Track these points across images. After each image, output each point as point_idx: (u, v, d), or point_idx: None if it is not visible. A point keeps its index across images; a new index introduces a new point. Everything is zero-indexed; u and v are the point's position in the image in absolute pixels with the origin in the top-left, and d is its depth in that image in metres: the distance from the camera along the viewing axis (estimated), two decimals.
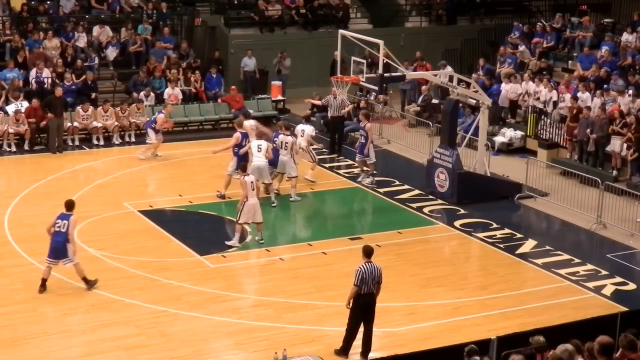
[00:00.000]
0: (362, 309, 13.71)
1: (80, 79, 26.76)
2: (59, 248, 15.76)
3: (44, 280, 15.85)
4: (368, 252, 13.86)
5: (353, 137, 25.97)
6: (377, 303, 13.86)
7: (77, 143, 25.22)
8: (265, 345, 14.18)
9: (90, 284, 16.03)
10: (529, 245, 19.09)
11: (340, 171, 23.69)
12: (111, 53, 28.44)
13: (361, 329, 13.86)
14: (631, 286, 17.13)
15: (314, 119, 27.34)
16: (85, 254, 17.58)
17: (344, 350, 13.92)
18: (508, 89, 26.66)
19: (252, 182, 18.06)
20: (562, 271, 17.66)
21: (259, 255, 18.13)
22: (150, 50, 28.80)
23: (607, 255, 18.69)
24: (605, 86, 25.07)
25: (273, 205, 20.55)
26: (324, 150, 24.91)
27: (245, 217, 18.06)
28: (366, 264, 13.69)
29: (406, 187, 22.44)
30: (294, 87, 30.41)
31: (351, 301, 13.69)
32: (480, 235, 19.46)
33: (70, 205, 16.07)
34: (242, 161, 20.11)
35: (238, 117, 26.73)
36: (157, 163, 23.75)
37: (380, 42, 20.89)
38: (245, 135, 20.94)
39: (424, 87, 28.19)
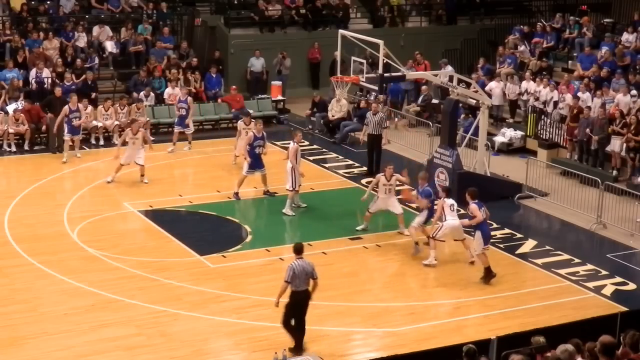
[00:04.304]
0: (297, 305, 13.83)
1: (80, 79, 26.76)
2: (489, 235, 17.37)
3: (488, 269, 16.85)
4: (298, 250, 14.02)
5: (353, 137, 26.00)
6: (379, 303, 13.88)
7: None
8: (265, 345, 14.17)
9: (489, 276, 16.87)
10: (529, 245, 19.08)
11: (340, 171, 23.66)
12: (111, 47, 28.40)
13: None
14: (631, 286, 17.12)
15: (314, 119, 27.37)
16: (86, 254, 17.61)
17: (298, 347, 13.91)
18: (500, 87, 26.70)
19: None
20: (562, 271, 17.65)
21: (259, 255, 18.10)
22: (150, 50, 28.79)
23: (607, 255, 18.68)
24: (605, 83, 25.05)
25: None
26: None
27: None
28: (297, 260, 13.83)
29: (406, 187, 22.37)
30: (294, 87, 30.40)
31: (279, 299, 13.81)
32: None
33: (474, 194, 17.21)
34: (253, 161, 20.68)
35: (238, 117, 26.82)
36: (157, 163, 23.71)
37: (380, 42, 20.89)
38: (258, 136, 20.92)
39: (423, 87, 28.16)
